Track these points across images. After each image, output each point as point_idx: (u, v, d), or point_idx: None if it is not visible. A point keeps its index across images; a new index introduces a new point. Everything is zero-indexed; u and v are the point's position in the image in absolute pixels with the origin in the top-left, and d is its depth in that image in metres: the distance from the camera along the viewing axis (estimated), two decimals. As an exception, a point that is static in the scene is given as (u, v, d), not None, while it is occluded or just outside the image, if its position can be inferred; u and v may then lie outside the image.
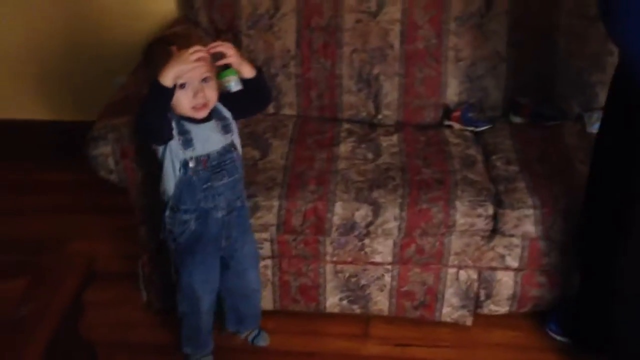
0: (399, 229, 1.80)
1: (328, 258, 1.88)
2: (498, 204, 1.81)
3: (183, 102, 1.51)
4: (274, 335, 1.93)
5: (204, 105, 1.53)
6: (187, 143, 1.54)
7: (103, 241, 2.27)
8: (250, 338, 1.91)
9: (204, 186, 1.58)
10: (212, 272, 1.70)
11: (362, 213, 1.79)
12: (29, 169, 2.62)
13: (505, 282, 1.91)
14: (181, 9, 2.35)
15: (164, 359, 1.87)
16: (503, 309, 1.95)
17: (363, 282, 1.92)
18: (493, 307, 1.95)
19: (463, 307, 1.94)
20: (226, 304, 1.83)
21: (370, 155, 1.97)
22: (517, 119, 2.15)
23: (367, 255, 1.87)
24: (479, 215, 1.79)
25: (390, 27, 2.12)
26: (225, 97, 1.58)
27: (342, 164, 1.92)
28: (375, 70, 2.14)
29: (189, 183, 1.58)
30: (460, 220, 1.79)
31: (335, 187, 1.82)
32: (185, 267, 1.67)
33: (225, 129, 1.60)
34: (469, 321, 1.96)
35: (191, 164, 1.55)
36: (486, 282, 1.91)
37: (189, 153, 1.55)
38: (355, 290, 1.93)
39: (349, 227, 1.80)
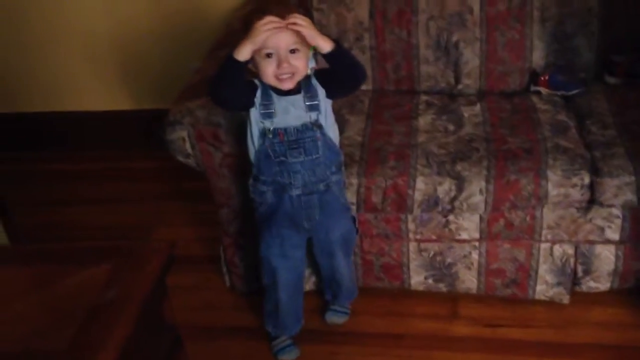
0: (486, 203, 1.72)
1: (411, 236, 1.83)
2: (595, 172, 1.69)
3: (267, 71, 1.51)
4: (360, 316, 1.90)
5: (290, 76, 1.51)
6: (268, 114, 1.55)
7: (186, 226, 2.31)
8: (330, 308, 1.89)
9: (277, 160, 1.58)
10: (289, 250, 1.68)
11: (445, 188, 1.72)
12: (114, 158, 2.70)
13: (605, 256, 1.79)
14: (251, -12, 2.33)
15: (247, 342, 1.87)
16: (603, 285, 1.83)
17: (449, 260, 1.85)
18: (592, 284, 1.83)
19: (559, 284, 1.83)
20: (323, 279, 1.85)
21: (451, 127, 1.89)
22: (612, 80, 2.01)
23: (452, 232, 1.80)
24: (574, 185, 1.68)
25: (469, -11, 2.02)
26: (319, 74, 1.58)
27: (422, 137, 1.85)
28: (454, 37, 2.04)
29: (266, 154, 1.58)
30: (553, 191, 1.69)
31: (415, 162, 1.75)
32: (262, 238, 1.69)
33: (311, 107, 1.58)
34: (565, 299, 1.85)
35: (269, 135, 1.56)
36: (584, 257, 1.80)
37: (267, 123, 1.56)
38: (441, 269, 1.86)
39: (431, 203, 1.73)
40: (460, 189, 1.71)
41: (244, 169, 1.73)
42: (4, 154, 2.70)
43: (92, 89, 2.70)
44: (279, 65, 1.50)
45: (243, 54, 1.47)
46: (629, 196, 1.67)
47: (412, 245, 1.84)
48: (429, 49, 2.06)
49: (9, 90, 2.73)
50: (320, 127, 1.59)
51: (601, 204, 1.71)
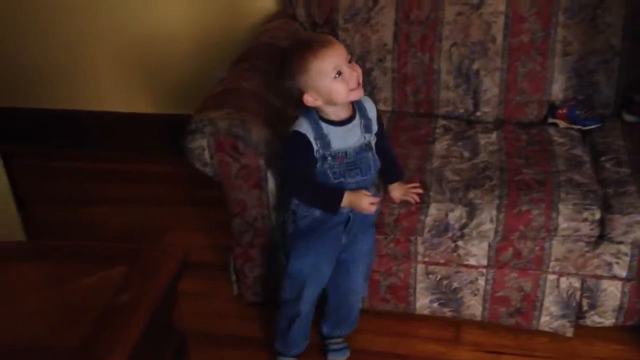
0: (496, 231, 1.74)
1: (419, 258, 1.85)
2: (606, 208, 1.71)
3: (341, 89, 1.51)
4: (363, 334, 1.91)
5: (358, 84, 1.54)
6: (325, 145, 1.57)
7: (199, 232, 2.33)
8: (331, 348, 1.87)
9: (335, 181, 1.60)
10: (323, 263, 1.69)
11: (456, 214, 1.74)
12: (134, 160, 2.74)
13: (612, 292, 1.80)
14: (279, 3, 2.38)
15: (250, 352, 1.89)
16: (608, 321, 1.84)
17: (455, 284, 1.87)
18: (597, 319, 1.84)
19: (563, 316, 1.85)
20: (328, 305, 1.81)
21: (466, 154, 1.92)
22: (630, 118, 2.03)
23: (461, 257, 1.82)
24: (584, 220, 1.70)
25: (494, 19, 2.05)
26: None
27: (437, 162, 1.88)
28: (475, 65, 2.08)
29: (323, 174, 1.60)
30: (563, 224, 1.71)
31: (429, 187, 1.78)
32: (297, 251, 1.68)
33: (367, 128, 1.62)
34: (569, 332, 1.86)
35: (329, 160, 1.58)
36: (590, 292, 1.82)
37: (326, 152, 1.58)
38: (447, 293, 1.88)
39: (442, 229, 1.76)
40: (471, 216, 1.73)
41: (260, 182, 1.77)
42: (26, 148, 2.75)
43: (116, 90, 2.75)
44: (349, 76, 1.50)
45: (342, 205, 1.58)
46: (639, 234, 1.69)
47: (420, 267, 1.86)
48: (449, 75, 2.09)
49: (35, 86, 2.78)
50: (372, 148, 1.63)
51: (610, 240, 1.72)
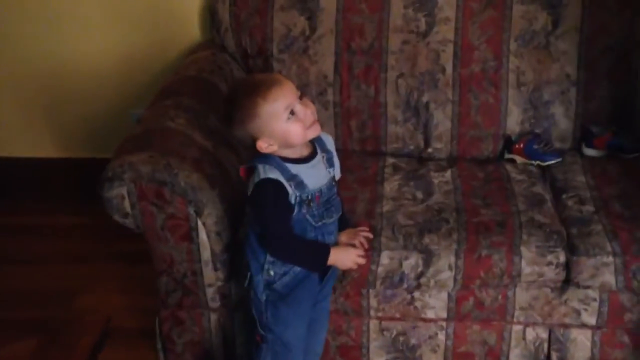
0: (455, 280, 1.77)
1: (372, 313, 1.86)
2: (571, 250, 1.77)
3: (298, 130, 1.54)
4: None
5: (314, 120, 1.56)
6: (299, 185, 1.57)
7: (117, 293, 2.29)
8: None
9: (318, 224, 1.61)
10: (304, 328, 1.69)
11: (411, 262, 1.77)
12: (37, 211, 2.67)
13: (581, 342, 1.85)
14: (206, 33, 2.40)
15: None
16: (579, 374, 1.89)
17: (413, 341, 1.88)
18: (567, 372, 1.89)
19: (531, 371, 1.89)
20: None
21: (419, 194, 1.95)
22: (590, 152, 2.12)
23: (418, 310, 1.84)
24: (549, 264, 1.75)
25: (442, 48, 2.12)
26: None
27: (388, 205, 1.91)
28: (425, 98, 2.13)
29: (301, 222, 1.60)
30: (527, 269, 1.75)
31: (380, 233, 1.80)
32: (281, 320, 1.65)
33: (329, 162, 1.65)
34: (538, 388, 1.90)
35: (307, 203, 1.58)
36: (558, 343, 1.86)
37: (303, 194, 1.58)
38: (404, 351, 1.89)
39: (396, 280, 1.78)
40: (427, 264, 1.76)
41: (190, 233, 1.76)
42: None
43: (18, 133, 2.69)
44: (304, 114, 1.53)
45: (329, 262, 1.62)
46: (607, 277, 1.74)
47: (373, 324, 1.87)
48: (397, 109, 2.15)
49: None
50: (336, 182, 1.67)
51: (577, 285, 1.77)
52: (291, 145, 1.57)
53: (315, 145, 1.63)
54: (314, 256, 1.63)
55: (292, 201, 1.56)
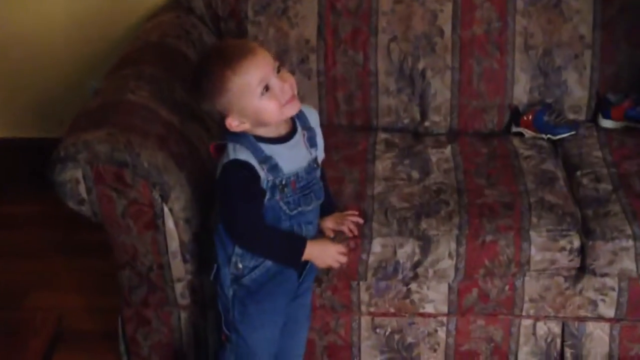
0: (456, 269, 1.77)
1: (364, 309, 1.86)
2: (586, 233, 1.77)
3: (272, 107, 1.51)
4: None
5: (293, 95, 1.53)
6: (273, 169, 1.56)
7: (72, 291, 2.29)
8: None
9: (293, 212, 1.60)
10: (277, 329, 1.68)
11: (407, 250, 1.76)
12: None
13: (598, 336, 1.87)
14: (170, -8, 2.38)
15: None
16: (596, 372, 1.90)
17: (410, 339, 1.89)
18: (583, 371, 1.90)
19: (543, 370, 1.90)
20: None
21: (415, 174, 1.95)
22: (607, 123, 2.13)
23: (415, 304, 1.85)
24: (562, 249, 1.76)
25: (440, 7, 2.11)
26: None
27: (380, 187, 1.90)
28: (421, 64, 2.13)
29: (274, 210, 1.58)
30: (537, 256, 1.76)
31: (371, 217, 1.80)
32: (248, 320, 1.65)
33: (311, 141, 1.63)
34: (551, 389, 1.91)
35: (280, 188, 1.56)
36: (573, 338, 1.87)
37: (277, 178, 1.56)
38: (399, 351, 1.90)
39: (390, 270, 1.77)
40: (425, 252, 1.76)
41: (155, 221, 1.74)
42: None
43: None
44: (280, 89, 1.51)
45: (304, 257, 1.60)
46: (626, 264, 1.75)
47: (365, 321, 1.88)
48: (389, 77, 2.14)
49: None
50: (318, 165, 1.65)
51: (593, 273, 1.78)
52: (265, 124, 1.55)
53: (296, 121, 1.61)
54: (287, 250, 1.61)
55: (264, 186, 1.55)
